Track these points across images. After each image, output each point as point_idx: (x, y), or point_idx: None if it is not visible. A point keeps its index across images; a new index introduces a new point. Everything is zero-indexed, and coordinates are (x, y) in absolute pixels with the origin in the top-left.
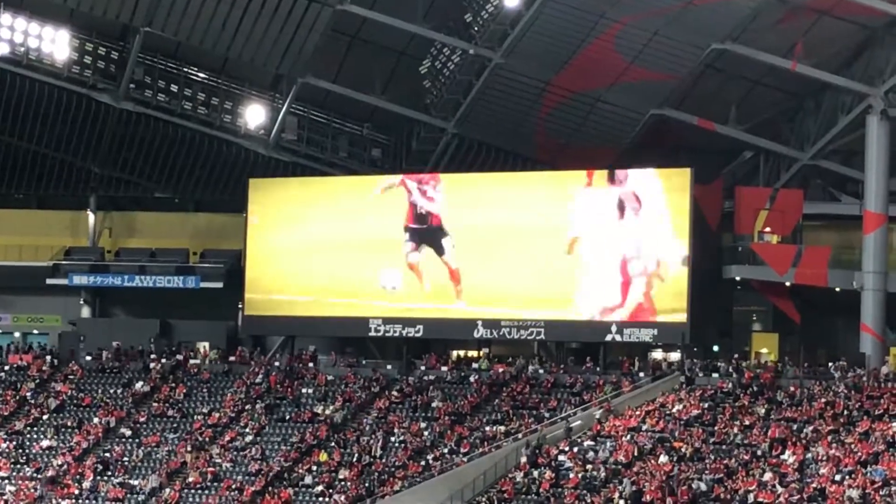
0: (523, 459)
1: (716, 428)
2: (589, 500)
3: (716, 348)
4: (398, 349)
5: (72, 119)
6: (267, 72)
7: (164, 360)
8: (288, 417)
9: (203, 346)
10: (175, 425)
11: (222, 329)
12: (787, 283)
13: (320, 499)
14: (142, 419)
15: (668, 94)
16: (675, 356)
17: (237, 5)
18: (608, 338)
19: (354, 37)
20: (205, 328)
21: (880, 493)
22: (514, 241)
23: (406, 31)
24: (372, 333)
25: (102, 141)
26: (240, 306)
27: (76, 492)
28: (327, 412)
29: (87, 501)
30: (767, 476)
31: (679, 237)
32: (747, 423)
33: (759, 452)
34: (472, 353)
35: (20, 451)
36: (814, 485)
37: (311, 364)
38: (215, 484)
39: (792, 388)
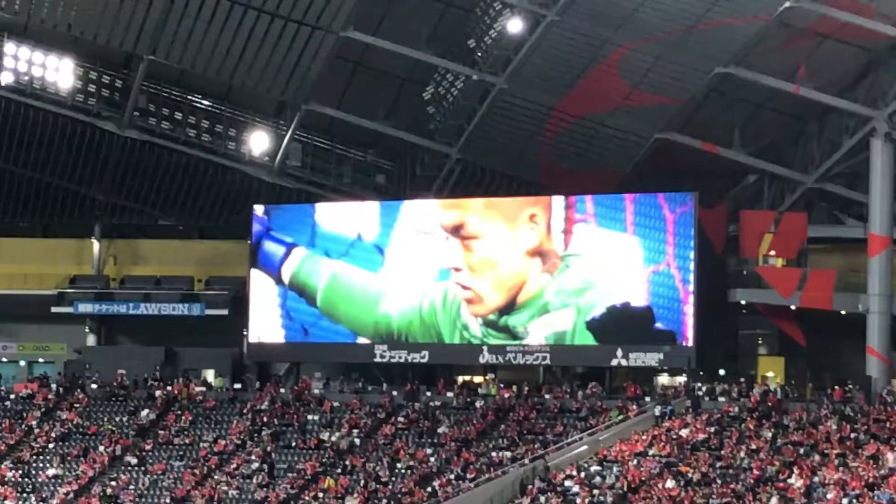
0: (531, 486)
1: (723, 452)
2: None
3: (722, 372)
4: (403, 375)
5: (76, 147)
6: (271, 99)
7: (167, 389)
8: (294, 444)
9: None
10: (181, 453)
11: (227, 356)
12: (793, 307)
13: None
14: (147, 447)
15: (671, 118)
16: (681, 380)
17: (240, 33)
18: (614, 362)
19: (358, 63)
20: (210, 355)
21: None
22: None
23: (409, 58)
24: (377, 359)
25: (107, 169)
26: (245, 333)
27: None
28: (333, 439)
29: None
30: (774, 500)
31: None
32: (754, 447)
33: (766, 476)
34: (478, 379)
35: (26, 480)
36: None
37: (316, 391)
38: None
39: (798, 412)
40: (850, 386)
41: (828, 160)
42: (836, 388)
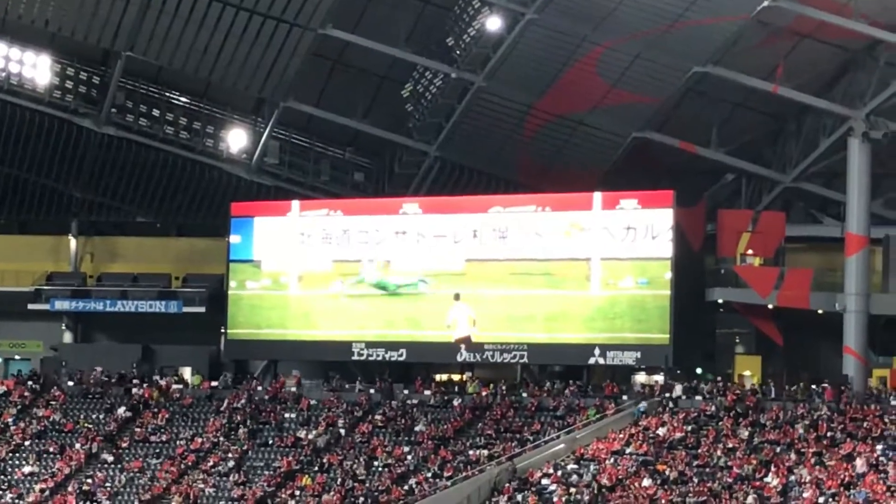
0: (507, 484)
1: (699, 451)
2: None
3: (699, 371)
4: (381, 373)
5: (53, 144)
6: (249, 96)
7: (143, 386)
8: (271, 442)
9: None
10: (158, 451)
11: (205, 354)
12: (770, 306)
13: None
14: (124, 445)
15: (650, 117)
16: (658, 378)
17: (219, 30)
18: (591, 360)
19: (336, 61)
20: (187, 353)
21: None
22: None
23: (388, 55)
24: (355, 357)
25: (84, 166)
26: (222, 331)
27: None
28: (310, 437)
29: None
30: (751, 499)
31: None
32: (731, 445)
33: (742, 475)
34: (456, 377)
35: (2, 477)
36: None
37: (293, 389)
38: None
39: (775, 411)
40: (828, 384)
41: (805, 159)
42: (828, 387)
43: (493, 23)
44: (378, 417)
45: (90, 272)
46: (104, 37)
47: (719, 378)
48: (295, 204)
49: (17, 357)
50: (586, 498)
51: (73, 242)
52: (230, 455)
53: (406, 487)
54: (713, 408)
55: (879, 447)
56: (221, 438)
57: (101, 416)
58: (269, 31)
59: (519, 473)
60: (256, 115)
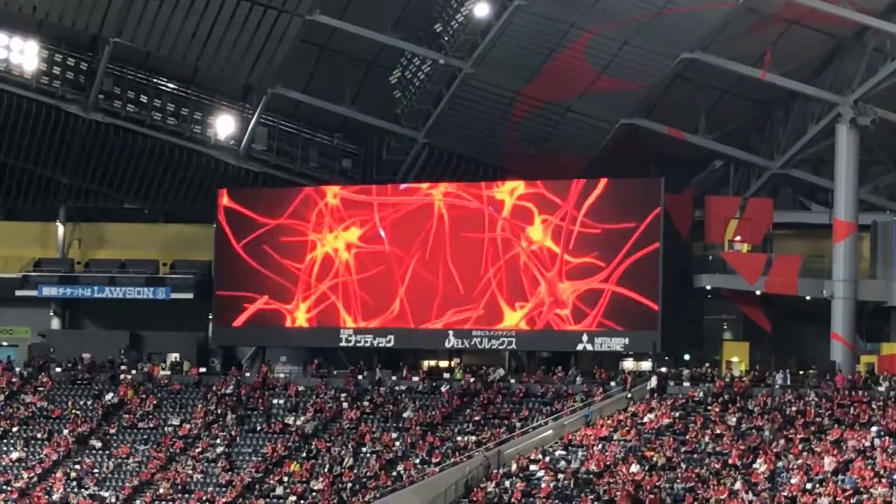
0: (496, 470)
1: (687, 437)
2: None
3: (687, 357)
4: (369, 360)
5: (41, 130)
6: (237, 82)
7: (131, 374)
8: (259, 428)
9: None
10: (145, 437)
11: (193, 340)
12: (758, 292)
13: None
14: (112, 431)
15: (637, 104)
16: (646, 365)
17: (206, 16)
18: (579, 347)
19: (324, 47)
20: (175, 339)
21: (851, 501)
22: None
23: (376, 42)
24: (343, 344)
25: (71, 152)
26: (210, 317)
27: None
28: (298, 423)
29: None
30: (738, 485)
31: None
32: (718, 431)
33: (730, 461)
34: (444, 363)
35: None
36: (785, 493)
37: (281, 375)
38: (185, 496)
39: (762, 397)
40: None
41: (793, 146)
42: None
43: (481, 9)
44: (366, 404)
45: (78, 258)
46: (92, 23)
47: (707, 364)
48: (277, 193)
49: (4, 343)
50: (574, 484)
51: (60, 229)
52: (218, 441)
53: (394, 473)
54: (701, 394)
55: (872, 430)
56: (209, 425)
57: (89, 403)
58: (257, 17)
59: (507, 459)
60: (244, 101)
